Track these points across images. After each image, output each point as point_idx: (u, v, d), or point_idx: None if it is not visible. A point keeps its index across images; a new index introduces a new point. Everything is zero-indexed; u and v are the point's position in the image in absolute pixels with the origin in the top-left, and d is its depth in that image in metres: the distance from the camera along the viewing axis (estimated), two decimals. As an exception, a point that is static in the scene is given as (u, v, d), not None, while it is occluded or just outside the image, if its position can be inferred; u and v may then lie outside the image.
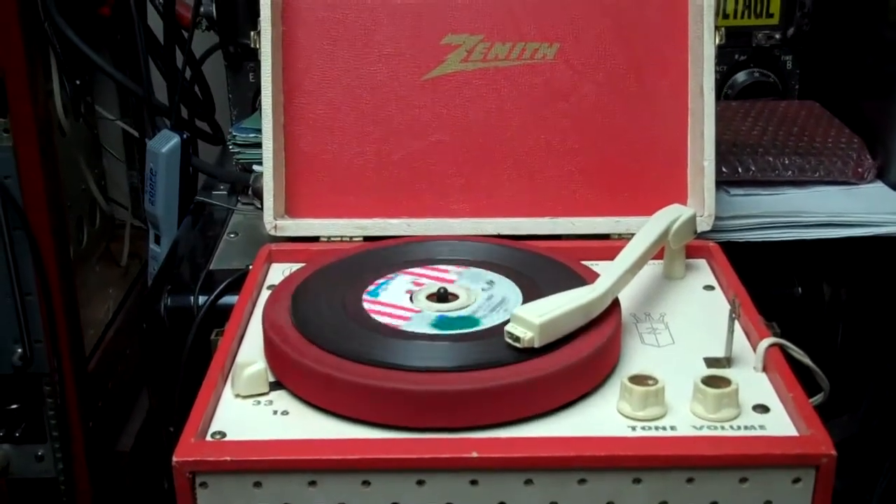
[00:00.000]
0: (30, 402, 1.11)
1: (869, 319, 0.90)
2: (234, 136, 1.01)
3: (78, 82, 1.14)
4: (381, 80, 0.84)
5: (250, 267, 0.78)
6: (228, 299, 0.84)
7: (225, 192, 1.07)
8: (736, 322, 0.65)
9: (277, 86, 0.82)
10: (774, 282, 0.87)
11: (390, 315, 0.65)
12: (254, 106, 1.15)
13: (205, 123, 1.23)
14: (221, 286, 0.84)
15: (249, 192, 0.98)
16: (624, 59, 0.84)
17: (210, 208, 1.04)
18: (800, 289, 0.86)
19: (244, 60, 1.14)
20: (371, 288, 0.68)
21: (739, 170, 0.96)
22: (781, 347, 0.63)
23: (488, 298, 0.67)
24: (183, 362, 0.83)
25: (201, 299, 0.85)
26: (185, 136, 1.06)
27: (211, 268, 0.90)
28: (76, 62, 1.11)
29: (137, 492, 1.23)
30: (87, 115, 1.21)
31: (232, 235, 0.97)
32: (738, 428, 0.58)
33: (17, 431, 1.12)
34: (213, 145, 1.24)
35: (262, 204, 0.83)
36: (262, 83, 0.81)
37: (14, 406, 1.11)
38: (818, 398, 0.62)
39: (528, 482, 0.55)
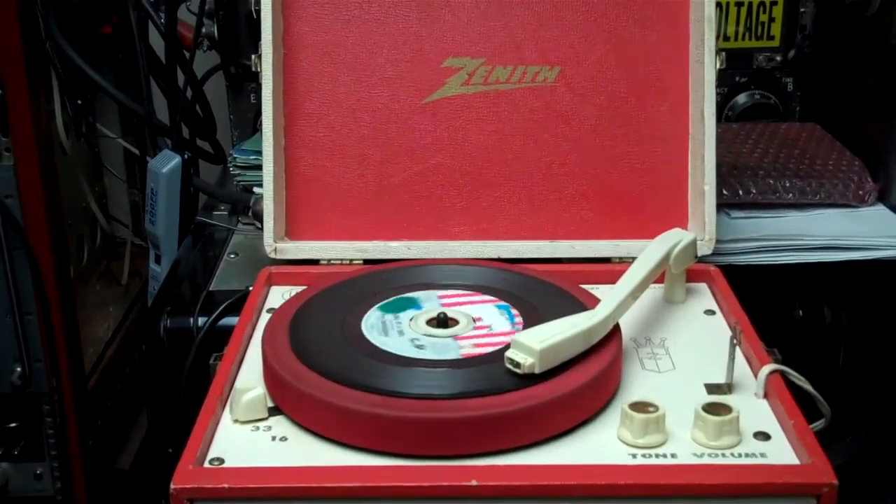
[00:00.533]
0: (29, 421, 1.11)
1: (870, 342, 0.89)
2: (235, 157, 1.01)
3: (79, 102, 1.14)
4: (381, 103, 0.84)
5: (250, 288, 0.78)
6: (228, 321, 0.84)
7: (225, 213, 1.07)
8: (737, 348, 0.65)
9: (278, 109, 0.83)
10: (775, 304, 0.86)
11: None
12: (255, 126, 1.15)
13: (206, 143, 1.23)
14: (221, 308, 0.84)
15: (249, 214, 0.98)
16: (625, 82, 0.84)
17: (210, 228, 1.04)
18: (801, 311, 0.86)
19: (245, 81, 1.14)
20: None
21: (740, 192, 0.96)
22: (782, 374, 0.63)
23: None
24: (182, 384, 0.83)
25: (201, 321, 0.85)
26: (185, 156, 1.06)
27: (211, 288, 0.90)
28: (78, 82, 1.11)
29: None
30: (89, 133, 1.21)
31: (232, 256, 0.97)
32: (739, 455, 0.57)
33: (15, 450, 1.11)
34: (214, 165, 1.24)
35: (262, 225, 0.83)
36: (263, 106, 0.81)
37: (13, 424, 1.11)
38: (819, 424, 0.62)
39: (528, 510, 0.55)
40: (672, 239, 0.74)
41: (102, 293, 1.27)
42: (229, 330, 0.72)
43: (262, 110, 0.81)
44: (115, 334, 1.27)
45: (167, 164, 1.05)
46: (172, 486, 0.54)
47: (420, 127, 0.84)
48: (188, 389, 0.82)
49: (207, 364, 0.71)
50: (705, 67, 0.82)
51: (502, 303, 0.70)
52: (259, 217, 0.86)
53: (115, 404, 1.24)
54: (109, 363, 1.23)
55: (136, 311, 1.32)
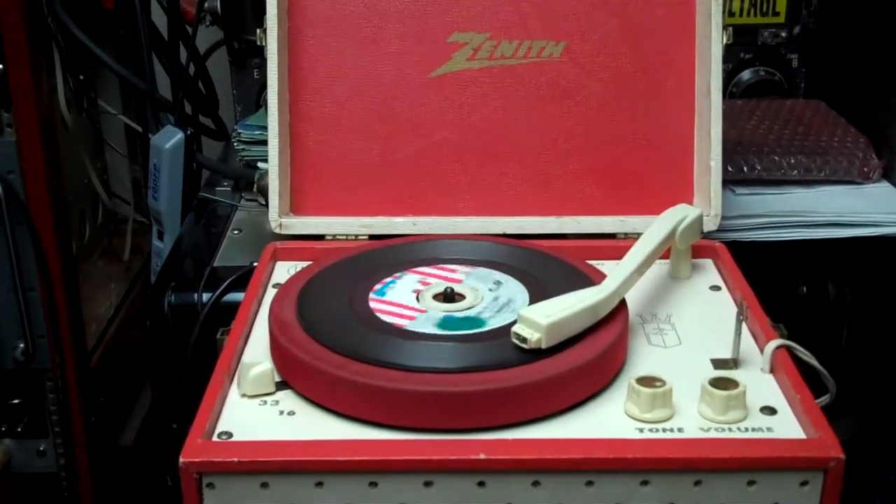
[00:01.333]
0: (32, 398, 1.11)
1: (874, 319, 0.89)
2: (239, 133, 1.01)
3: (81, 77, 1.14)
4: (387, 78, 0.84)
5: (255, 264, 0.78)
6: (232, 296, 0.83)
7: (228, 189, 1.06)
8: (743, 324, 0.65)
9: (283, 83, 0.82)
10: (779, 281, 0.87)
11: (397, 315, 0.65)
12: (258, 102, 1.15)
13: (208, 119, 1.22)
14: (225, 283, 0.84)
15: (254, 189, 0.98)
16: (631, 57, 0.84)
17: (213, 204, 1.04)
18: (805, 288, 0.86)
19: (249, 56, 1.14)
20: (378, 287, 0.68)
21: (745, 169, 0.96)
22: (788, 349, 0.63)
23: (495, 299, 0.67)
24: (187, 360, 0.83)
25: (205, 296, 0.85)
26: (188, 132, 1.06)
27: (215, 264, 0.90)
28: (79, 57, 1.11)
29: (139, 487, 1.23)
30: (90, 109, 1.21)
31: (235, 232, 0.97)
32: (746, 430, 0.57)
33: (18, 426, 1.12)
34: (217, 141, 1.23)
35: (267, 201, 0.83)
36: (269, 81, 0.81)
37: (16, 401, 1.11)
38: (824, 399, 0.62)
39: (536, 484, 0.55)
40: (678, 215, 0.74)
41: (104, 270, 1.27)
42: (233, 306, 0.71)
43: (268, 85, 0.81)
44: (117, 311, 1.27)
45: (170, 139, 1.05)
46: (181, 460, 0.54)
47: (425, 102, 0.84)
48: (193, 365, 0.82)
49: (211, 340, 0.71)
50: (712, 42, 0.81)
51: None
52: (264, 192, 0.86)
53: (117, 381, 1.24)
54: (112, 340, 1.23)
55: (139, 288, 1.32)
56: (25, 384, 1.10)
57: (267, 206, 0.83)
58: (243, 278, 0.80)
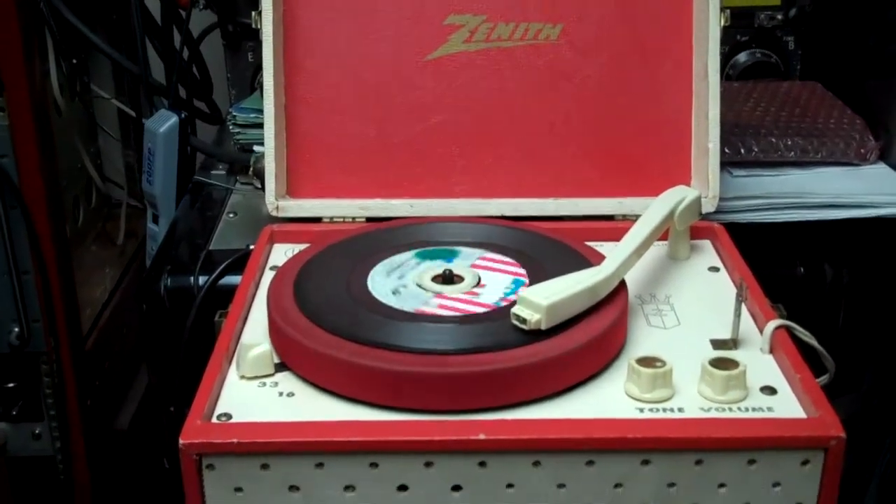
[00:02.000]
0: (27, 381, 1.10)
1: (870, 300, 0.90)
2: (235, 116, 1.01)
3: (74, 61, 1.13)
4: (383, 61, 0.83)
5: (251, 247, 0.78)
6: (229, 279, 0.83)
7: (223, 172, 1.06)
8: (742, 304, 0.65)
9: (279, 66, 0.82)
10: (777, 262, 0.87)
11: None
12: (252, 85, 1.14)
13: (202, 103, 1.22)
14: (222, 266, 0.84)
15: (250, 173, 0.97)
16: (628, 39, 0.84)
17: (208, 188, 1.04)
18: (802, 269, 0.86)
19: (243, 39, 1.13)
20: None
21: (742, 151, 0.96)
22: (788, 329, 0.63)
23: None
24: (183, 343, 0.82)
25: (201, 279, 0.85)
26: (183, 115, 1.05)
27: (210, 248, 0.90)
28: (72, 41, 1.10)
29: (135, 470, 1.23)
30: (83, 94, 1.20)
31: (231, 215, 0.96)
32: (746, 410, 0.58)
33: (14, 410, 1.11)
34: (211, 125, 1.23)
35: (262, 184, 0.83)
36: (264, 63, 0.81)
37: (11, 385, 1.11)
38: (823, 379, 0.62)
39: (537, 464, 0.55)
40: (676, 196, 0.74)
41: (98, 254, 1.26)
42: (230, 289, 0.71)
43: (263, 67, 0.81)
44: (111, 295, 1.27)
45: (164, 123, 1.05)
46: (181, 441, 0.54)
47: (422, 85, 0.83)
48: (189, 348, 0.82)
49: (207, 323, 0.70)
50: (710, 24, 0.81)
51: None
52: (260, 175, 0.85)
53: (112, 366, 1.24)
54: (106, 324, 1.22)
55: (133, 272, 1.32)
56: (20, 368, 1.10)
57: (263, 189, 0.83)
58: (240, 261, 0.80)
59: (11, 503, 1.13)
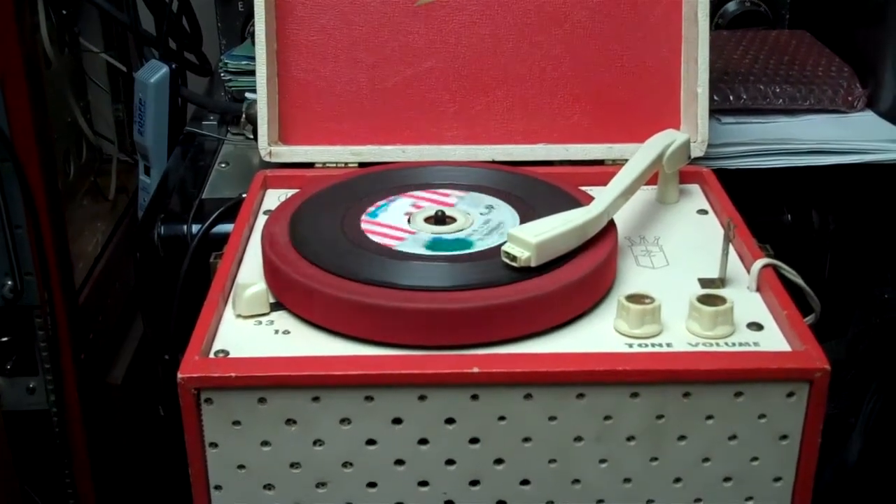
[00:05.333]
0: (21, 335, 1.11)
1: (856, 246, 0.91)
2: (226, 63, 1.01)
3: (64, 13, 1.13)
4: (373, 7, 0.84)
5: (244, 196, 0.78)
6: (222, 227, 0.84)
7: (214, 123, 1.06)
8: (730, 244, 0.65)
9: (270, 11, 0.82)
10: (764, 209, 0.87)
11: (388, 236, 0.66)
12: (243, 35, 1.14)
13: (192, 55, 1.21)
14: (217, 213, 0.84)
15: (243, 120, 0.98)
16: (618, -16, 0.84)
17: (200, 139, 1.04)
18: (789, 216, 0.87)
19: (233, -12, 1.13)
20: (370, 209, 0.69)
21: (731, 98, 0.96)
22: (775, 268, 0.64)
23: (485, 222, 0.68)
24: (178, 289, 0.83)
25: (195, 228, 0.85)
26: (173, 66, 1.05)
27: (203, 197, 0.90)
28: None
29: (129, 423, 1.24)
30: (73, 47, 1.20)
31: (223, 165, 0.96)
32: (733, 345, 0.59)
33: (8, 364, 1.12)
34: (202, 77, 1.23)
35: (255, 131, 0.83)
36: (255, 8, 0.81)
37: (5, 339, 1.11)
38: (810, 319, 0.63)
39: (528, 397, 0.56)
40: (665, 139, 0.75)
41: (90, 209, 1.26)
42: (223, 236, 0.72)
43: (255, 13, 0.81)
44: (103, 250, 1.27)
45: (155, 74, 1.05)
46: (180, 375, 0.55)
47: (413, 30, 0.84)
48: (184, 295, 0.83)
49: (202, 271, 0.71)
50: (699, -32, 0.81)
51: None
52: (252, 122, 0.86)
53: (105, 319, 1.24)
54: (99, 278, 1.23)
55: (125, 226, 1.32)
56: (14, 322, 1.10)
57: (255, 136, 0.83)
58: (233, 209, 0.80)
59: (9, 457, 1.14)
